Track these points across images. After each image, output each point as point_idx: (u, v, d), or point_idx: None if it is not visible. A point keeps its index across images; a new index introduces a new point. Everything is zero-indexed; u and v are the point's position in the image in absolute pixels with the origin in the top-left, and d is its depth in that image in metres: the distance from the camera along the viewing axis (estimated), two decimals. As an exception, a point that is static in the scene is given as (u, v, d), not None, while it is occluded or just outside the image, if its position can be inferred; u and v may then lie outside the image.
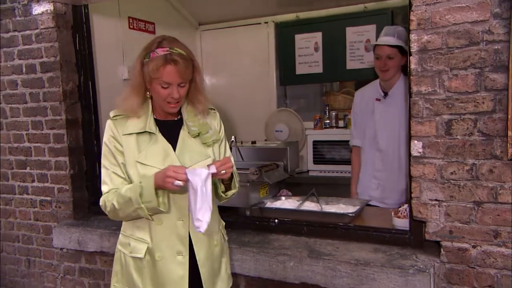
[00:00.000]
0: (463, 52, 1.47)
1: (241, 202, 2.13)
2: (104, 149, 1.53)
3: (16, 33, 2.42)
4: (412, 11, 1.54)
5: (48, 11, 2.32)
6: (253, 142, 2.58)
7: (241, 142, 2.59)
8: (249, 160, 2.48)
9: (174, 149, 1.52)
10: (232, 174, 1.50)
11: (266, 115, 3.43)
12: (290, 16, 3.40)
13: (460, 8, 1.46)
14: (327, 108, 3.27)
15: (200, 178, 1.37)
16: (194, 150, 1.53)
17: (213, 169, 1.38)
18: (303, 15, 3.36)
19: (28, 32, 2.39)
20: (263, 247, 1.86)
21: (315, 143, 3.09)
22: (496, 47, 1.42)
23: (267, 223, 2.05)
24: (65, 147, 2.35)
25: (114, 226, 2.22)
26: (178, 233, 1.51)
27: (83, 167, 2.46)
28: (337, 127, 3.20)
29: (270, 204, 2.19)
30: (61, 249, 2.44)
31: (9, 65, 2.46)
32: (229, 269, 1.69)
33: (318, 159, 3.09)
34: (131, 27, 2.98)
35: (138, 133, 1.51)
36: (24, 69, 2.42)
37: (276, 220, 2.03)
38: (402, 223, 1.80)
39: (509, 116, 1.41)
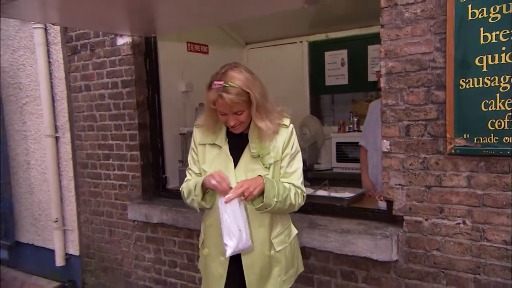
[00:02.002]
0: (416, 75, 1.99)
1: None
2: (191, 146, 1.85)
3: (105, 59, 3.25)
4: (381, 44, 2.08)
5: (128, 42, 3.11)
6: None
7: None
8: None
9: (236, 163, 1.70)
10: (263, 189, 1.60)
11: (300, 121, 4.02)
12: (320, 36, 3.98)
13: (414, 43, 1.98)
14: (351, 114, 3.79)
15: (220, 207, 1.59)
16: (251, 169, 1.68)
17: (222, 200, 1.57)
18: (331, 35, 3.92)
19: (113, 58, 3.20)
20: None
21: (338, 144, 3.63)
22: (438, 71, 1.92)
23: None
24: (137, 144, 3.12)
25: (171, 204, 2.95)
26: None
27: (150, 159, 3.22)
28: (358, 130, 3.71)
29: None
30: (133, 221, 3.21)
31: (99, 82, 3.29)
32: (286, 275, 1.80)
33: (341, 158, 3.62)
34: (189, 49, 3.72)
35: (209, 144, 1.76)
36: (110, 85, 3.24)
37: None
38: (383, 205, 2.32)
39: (447, 122, 1.90)
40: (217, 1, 2.35)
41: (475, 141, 1.85)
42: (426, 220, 2.02)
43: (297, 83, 4.12)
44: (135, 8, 2.46)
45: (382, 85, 2.09)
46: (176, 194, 3.13)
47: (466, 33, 1.83)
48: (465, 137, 1.87)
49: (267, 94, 1.73)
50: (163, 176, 3.25)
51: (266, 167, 1.68)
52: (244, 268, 1.73)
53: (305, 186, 2.83)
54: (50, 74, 3.56)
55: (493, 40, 1.78)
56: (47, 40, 3.54)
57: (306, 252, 2.36)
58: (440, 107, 1.93)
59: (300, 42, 4.09)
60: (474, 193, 1.89)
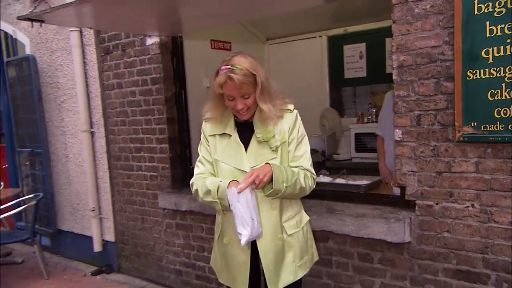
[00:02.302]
0: (426, 67, 2.11)
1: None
2: (201, 140, 1.89)
3: (135, 58, 3.48)
4: (393, 39, 2.21)
5: (156, 42, 3.32)
6: (301, 134, 3.36)
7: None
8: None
9: (246, 149, 1.76)
10: (272, 176, 1.65)
11: (320, 113, 4.16)
12: (339, 31, 4.09)
13: (424, 37, 2.10)
14: (369, 105, 3.90)
15: (230, 199, 1.62)
16: (260, 153, 1.74)
17: (233, 190, 1.60)
18: (350, 29, 4.03)
19: (143, 57, 3.42)
20: (297, 206, 2.63)
21: (357, 135, 3.75)
22: (447, 64, 2.04)
23: (303, 191, 2.83)
24: (166, 137, 3.34)
25: (198, 192, 3.16)
26: None
27: (178, 152, 3.43)
28: (376, 121, 3.81)
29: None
30: (164, 209, 3.44)
31: (131, 80, 3.53)
32: (301, 261, 1.85)
33: (360, 148, 3.74)
34: (213, 47, 3.91)
35: (219, 134, 1.82)
36: (140, 83, 3.47)
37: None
38: (397, 191, 2.44)
39: (455, 112, 2.02)
40: (239, 1, 2.50)
41: (482, 129, 1.96)
42: (437, 204, 2.14)
43: (317, 76, 4.26)
44: (163, 12, 2.66)
45: (394, 77, 2.22)
46: (203, 184, 3.35)
47: (473, 27, 1.93)
48: (472, 125, 1.98)
49: (269, 80, 1.78)
50: (191, 167, 3.46)
51: (273, 150, 1.73)
52: (260, 253, 1.77)
53: (324, 175, 3.02)
54: (85, 73, 3.82)
55: (499, 33, 1.88)
56: (82, 42, 3.80)
57: (324, 235, 2.53)
58: (449, 97, 2.05)
59: (320, 36, 4.21)
60: (482, 178, 2.00)
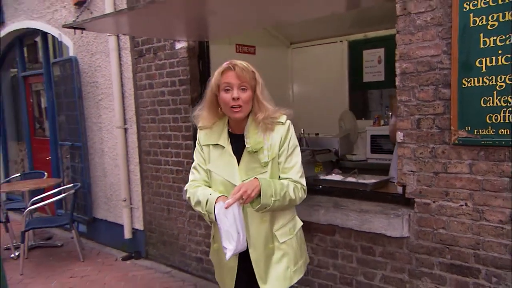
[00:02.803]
0: (426, 75, 2.26)
1: (300, 174, 3.14)
2: (196, 147, 1.93)
3: (165, 61, 3.78)
4: (396, 48, 2.38)
5: (184, 46, 3.61)
6: (316, 134, 3.56)
7: (308, 134, 3.59)
8: (313, 146, 3.47)
9: (238, 161, 1.78)
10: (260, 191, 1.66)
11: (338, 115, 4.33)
12: (359, 36, 4.25)
13: (424, 47, 2.26)
14: (386, 108, 4.04)
15: (217, 213, 1.65)
16: (251, 167, 1.77)
17: (221, 205, 1.64)
18: (370, 34, 4.18)
19: (172, 60, 3.72)
20: (307, 202, 2.81)
21: (373, 136, 3.90)
22: (445, 72, 2.19)
23: (314, 188, 3.02)
24: (191, 135, 3.62)
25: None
26: None
27: (202, 148, 3.71)
28: (393, 124, 3.95)
29: (321, 176, 3.15)
30: (185, 201, 3.72)
31: (160, 81, 3.84)
32: (296, 266, 1.89)
33: (375, 149, 3.89)
34: (238, 51, 4.17)
35: (213, 145, 1.83)
36: (169, 84, 3.77)
37: (320, 186, 3.00)
38: (401, 189, 2.61)
39: (451, 116, 2.17)
40: (264, 9, 2.70)
41: (475, 133, 2.10)
42: (434, 202, 2.30)
43: (337, 79, 4.43)
44: (191, 20, 2.93)
45: (397, 83, 2.39)
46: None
47: (468, 38, 2.08)
48: (466, 129, 2.13)
49: (265, 88, 1.81)
50: (213, 162, 3.73)
51: (262, 165, 1.74)
52: (252, 262, 1.83)
53: (336, 173, 3.20)
54: (121, 74, 4.17)
55: (491, 45, 2.02)
56: (119, 45, 4.15)
57: (331, 229, 2.72)
58: (446, 103, 2.20)
59: (341, 41, 4.38)
60: (475, 179, 2.14)
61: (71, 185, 4.61)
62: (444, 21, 2.17)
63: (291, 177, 1.80)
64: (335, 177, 3.12)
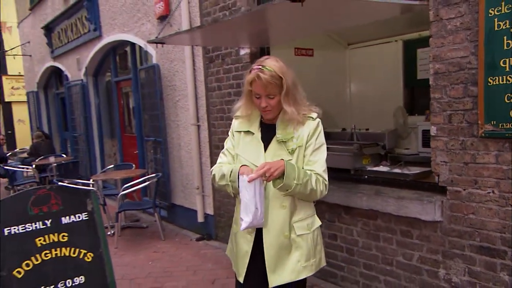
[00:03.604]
0: (456, 74, 2.50)
1: (349, 165, 3.46)
2: (229, 135, 2.05)
3: (231, 65, 4.30)
4: (430, 50, 2.63)
5: (247, 53, 4.09)
6: (367, 129, 3.85)
7: (359, 129, 3.89)
8: (363, 140, 3.77)
9: (266, 148, 1.88)
10: (284, 172, 1.72)
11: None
12: (414, 35, 4.41)
13: (455, 49, 2.50)
14: (440, 105, 4.18)
15: (241, 185, 1.73)
16: (277, 153, 1.86)
17: (245, 178, 1.70)
18: (424, 33, 4.31)
19: (237, 65, 4.23)
20: (352, 190, 3.17)
21: (424, 131, 4.06)
22: (473, 71, 2.41)
23: (361, 177, 3.34)
24: (254, 130, 4.10)
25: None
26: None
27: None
28: (445, 120, 4.08)
29: (368, 168, 3.45)
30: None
31: (227, 84, 4.36)
32: (307, 262, 1.91)
33: (426, 143, 4.03)
34: (296, 54, 4.55)
35: (244, 131, 1.95)
36: (234, 86, 4.28)
37: (366, 176, 3.31)
38: (437, 179, 2.85)
39: (478, 112, 2.39)
40: (322, 17, 2.98)
41: (500, 127, 2.31)
42: (464, 190, 2.53)
43: (392, 77, 4.63)
44: (255, 31, 3.40)
45: (430, 82, 2.65)
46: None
47: (493, 40, 2.30)
48: (492, 123, 2.35)
49: (299, 86, 1.90)
50: (273, 155, 4.18)
51: (289, 152, 1.83)
52: (264, 246, 1.87)
53: (384, 165, 3.47)
54: (194, 78, 4.78)
55: (513, 46, 2.23)
56: (192, 53, 4.77)
57: (373, 214, 3.04)
58: (474, 99, 2.43)
59: (396, 41, 4.58)
60: (501, 168, 2.35)
61: (154, 175, 5.34)
62: (472, 26, 2.40)
63: (315, 169, 1.87)
64: (382, 168, 3.40)
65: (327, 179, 1.93)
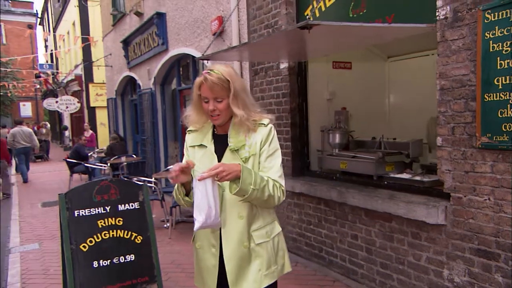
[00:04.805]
0: (459, 90, 2.73)
1: (372, 172, 3.74)
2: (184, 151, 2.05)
3: (273, 78, 4.75)
4: (437, 68, 2.88)
5: (286, 66, 4.52)
6: (394, 139, 4.08)
7: (387, 138, 4.13)
8: (390, 149, 4.01)
9: (220, 159, 1.85)
10: (240, 176, 1.69)
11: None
12: (450, 48, 4.55)
13: (458, 68, 2.73)
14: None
15: (194, 185, 1.71)
16: (231, 162, 1.80)
17: (197, 177, 1.67)
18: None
19: (277, 77, 4.66)
20: (371, 193, 3.45)
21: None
22: (472, 88, 2.63)
23: (381, 183, 3.61)
24: (290, 137, 4.50)
25: (308, 180, 4.23)
26: (212, 229, 1.84)
27: (298, 148, 4.55)
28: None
29: (390, 174, 3.69)
30: (286, 191, 4.59)
31: (269, 94, 4.82)
32: (268, 270, 1.89)
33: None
34: (334, 67, 4.88)
35: (198, 145, 1.94)
36: (275, 96, 4.72)
37: (385, 182, 3.57)
38: (448, 187, 3.05)
39: (476, 125, 2.61)
40: (358, 34, 3.23)
41: (494, 139, 2.52)
42: (465, 196, 2.74)
43: (429, 89, 4.76)
44: (294, 49, 3.81)
45: (437, 97, 2.89)
46: (315, 174, 4.41)
47: (489, 60, 2.52)
48: (488, 136, 2.55)
49: (248, 92, 1.89)
50: (307, 160, 4.55)
51: (243, 161, 1.81)
52: (224, 259, 1.86)
53: (407, 173, 3.71)
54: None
55: (505, 66, 2.44)
56: (241, 66, 5.28)
57: (388, 217, 3.30)
58: (473, 113, 2.64)
59: (432, 54, 4.72)
60: (495, 177, 2.55)
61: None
62: (472, 47, 2.63)
63: (270, 176, 1.85)
64: (403, 175, 3.64)
65: (283, 184, 1.92)
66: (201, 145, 1.94)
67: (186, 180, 1.82)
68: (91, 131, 13.53)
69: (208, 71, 1.80)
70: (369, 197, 3.41)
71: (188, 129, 2.00)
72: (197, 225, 1.73)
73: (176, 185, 1.87)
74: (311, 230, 4.28)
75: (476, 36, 2.59)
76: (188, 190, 1.88)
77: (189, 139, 2.00)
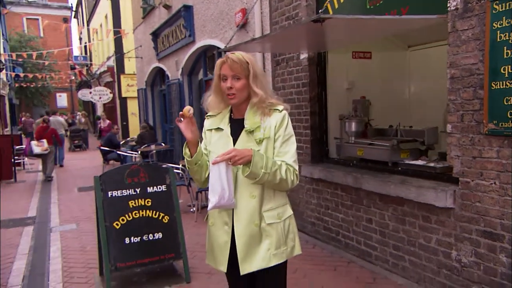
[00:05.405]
0: (468, 79, 2.83)
1: (387, 158, 3.87)
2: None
3: (293, 68, 4.91)
4: (447, 58, 2.98)
5: (306, 57, 4.67)
6: (410, 126, 4.19)
7: (403, 126, 4.24)
8: (406, 136, 4.12)
9: (235, 142, 1.94)
10: (251, 160, 1.78)
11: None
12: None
13: (467, 57, 2.82)
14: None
15: (210, 167, 1.83)
16: (246, 145, 1.89)
17: (211, 161, 1.80)
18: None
19: (297, 67, 4.82)
20: (385, 179, 3.60)
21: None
22: (480, 77, 2.73)
23: (395, 169, 3.74)
24: (309, 125, 4.67)
25: (326, 166, 4.40)
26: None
27: (317, 136, 4.72)
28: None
29: (405, 161, 3.81)
30: (305, 177, 4.79)
31: (290, 84, 4.98)
32: (277, 250, 1.94)
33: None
34: (354, 57, 4.98)
35: (214, 129, 2.03)
36: (295, 86, 4.89)
37: (399, 168, 3.70)
38: (459, 172, 3.16)
39: (484, 112, 2.71)
40: (372, 26, 3.36)
41: (500, 126, 2.62)
42: (472, 181, 2.86)
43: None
44: (314, 40, 3.97)
45: (447, 86, 3.00)
46: (333, 161, 4.57)
47: (496, 50, 2.61)
48: (494, 122, 2.66)
49: (265, 77, 2.03)
50: (326, 148, 4.71)
51: (257, 142, 1.90)
52: (235, 236, 1.93)
53: (422, 160, 3.82)
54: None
55: (511, 55, 2.53)
56: (263, 56, 5.47)
57: (401, 201, 3.44)
58: (481, 101, 2.75)
59: (453, 43, 4.76)
60: (501, 162, 2.65)
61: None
62: (480, 36, 2.73)
63: (285, 160, 1.92)
64: (417, 162, 3.75)
65: (297, 169, 1.98)
66: (218, 128, 2.02)
67: (192, 137, 1.92)
68: (108, 121, 13.64)
69: (230, 53, 1.94)
70: (383, 182, 3.55)
71: (207, 114, 2.10)
72: (210, 205, 1.84)
73: (184, 146, 1.98)
74: (328, 214, 4.46)
75: (484, 26, 2.68)
76: (192, 153, 1.96)
77: (207, 123, 2.10)
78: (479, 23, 2.72)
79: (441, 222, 3.12)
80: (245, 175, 1.82)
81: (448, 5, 2.94)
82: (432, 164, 3.57)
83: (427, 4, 3.35)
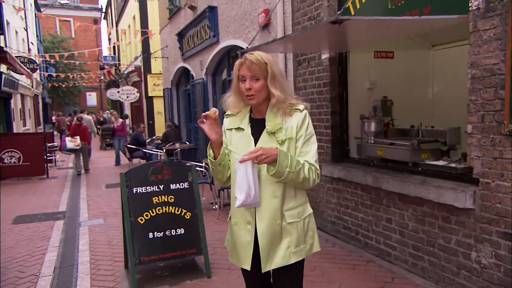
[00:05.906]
0: (489, 79, 2.80)
1: (407, 158, 3.86)
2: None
3: (314, 68, 4.94)
4: (469, 58, 2.96)
5: (328, 57, 4.69)
6: (432, 127, 4.15)
7: (425, 126, 4.21)
8: (428, 136, 4.09)
9: (256, 142, 1.94)
10: (277, 159, 1.79)
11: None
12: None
13: (488, 57, 2.80)
14: None
15: (236, 166, 1.83)
16: (267, 145, 1.89)
17: (239, 159, 1.80)
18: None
19: (319, 67, 4.85)
20: (404, 179, 3.59)
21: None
22: (502, 77, 2.71)
23: (415, 169, 3.73)
24: (330, 125, 4.69)
25: (346, 166, 4.42)
26: (248, 207, 1.92)
27: (337, 136, 4.73)
28: None
29: (426, 161, 3.79)
30: (326, 176, 4.81)
31: (311, 84, 5.02)
32: (296, 248, 1.97)
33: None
34: (376, 57, 4.96)
35: (235, 128, 2.02)
36: (316, 85, 4.92)
37: (420, 168, 3.69)
38: (480, 173, 3.13)
39: (505, 113, 2.68)
40: (392, 27, 3.36)
41: (521, 126, 2.60)
42: (493, 182, 2.83)
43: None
44: (335, 40, 4.00)
45: (468, 86, 2.98)
46: (354, 160, 4.59)
47: (517, 49, 2.59)
48: (515, 123, 2.63)
49: (285, 78, 2.01)
50: (347, 148, 4.73)
51: (279, 143, 1.90)
52: (258, 234, 1.95)
53: (444, 160, 3.80)
54: (286, 78, 5.53)
55: (533, 55, 2.50)
56: (285, 56, 5.52)
57: (420, 201, 3.44)
58: (502, 102, 2.72)
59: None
60: (522, 164, 2.63)
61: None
62: (502, 36, 2.70)
63: (307, 159, 1.94)
64: (439, 162, 3.73)
65: (319, 168, 2.00)
66: (238, 128, 2.02)
67: (216, 138, 1.95)
68: (120, 120, 13.16)
69: (249, 54, 1.94)
70: (402, 182, 3.55)
71: (226, 113, 2.09)
72: (237, 203, 1.85)
73: (208, 147, 2.02)
74: (348, 213, 4.47)
75: (506, 26, 2.66)
76: (216, 154, 2.00)
77: (227, 122, 2.09)
78: (501, 23, 2.70)
79: (461, 223, 3.11)
80: (271, 174, 1.84)
81: (469, 5, 2.92)
82: (453, 165, 3.54)
83: (449, 3, 3.33)
